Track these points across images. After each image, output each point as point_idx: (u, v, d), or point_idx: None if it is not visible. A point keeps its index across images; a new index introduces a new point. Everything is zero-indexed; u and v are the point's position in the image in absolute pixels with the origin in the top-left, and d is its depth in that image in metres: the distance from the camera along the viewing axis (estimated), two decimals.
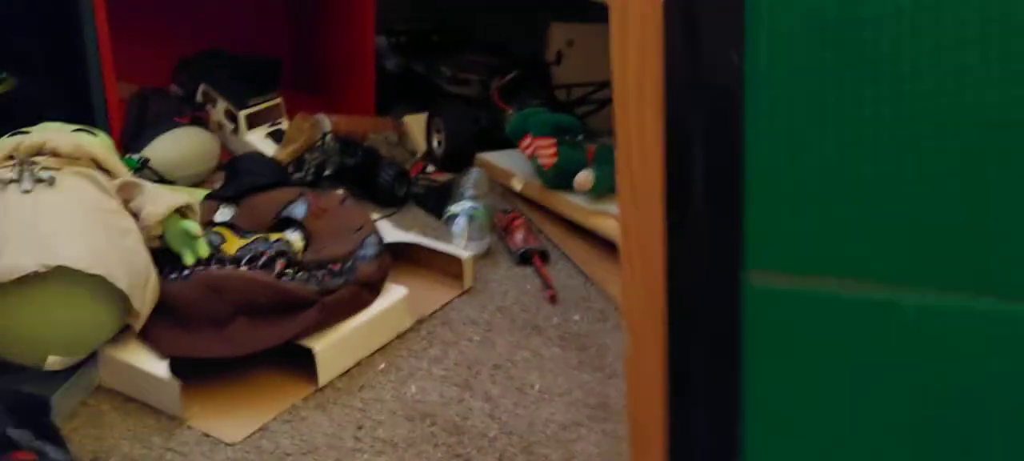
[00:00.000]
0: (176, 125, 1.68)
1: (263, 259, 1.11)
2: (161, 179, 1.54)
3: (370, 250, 1.18)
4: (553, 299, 1.34)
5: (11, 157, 1.08)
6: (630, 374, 0.56)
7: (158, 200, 1.10)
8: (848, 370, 0.44)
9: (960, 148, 0.40)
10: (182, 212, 1.12)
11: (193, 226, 1.11)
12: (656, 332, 0.52)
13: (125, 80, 1.72)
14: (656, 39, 0.46)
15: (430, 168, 1.82)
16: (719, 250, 0.46)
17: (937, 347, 0.42)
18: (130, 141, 1.63)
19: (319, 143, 1.60)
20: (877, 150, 0.41)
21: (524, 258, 1.45)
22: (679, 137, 0.47)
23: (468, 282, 1.34)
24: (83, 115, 1.42)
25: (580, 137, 1.57)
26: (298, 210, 1.27)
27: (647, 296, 0.52)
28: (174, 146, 1.63)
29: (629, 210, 0.53)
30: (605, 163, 1.50)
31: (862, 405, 0.44)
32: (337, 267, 1.14)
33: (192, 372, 1.02)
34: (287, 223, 1.27)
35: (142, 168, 1.54)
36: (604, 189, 1.49)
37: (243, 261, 1.10)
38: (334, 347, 1.08)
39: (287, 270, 1.12)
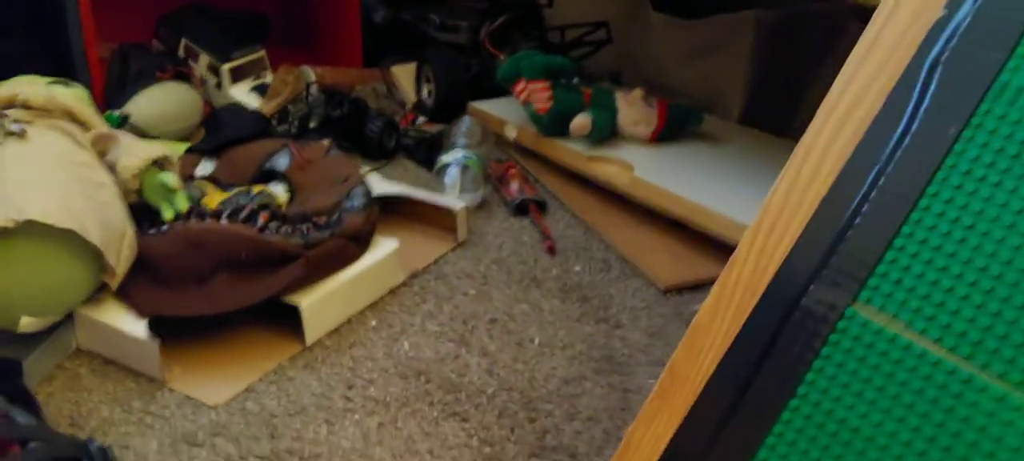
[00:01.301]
0: (157, 81, 1.63)
1: (244, 212, 1.06)
2: (143, 135, 1.48)
3: (357, 201, 1.12)
4: (551, 250, 1.29)
5: None
6: (696, 326, 0.62)
7: (134, 152, 1.05)
8: (901, 407, 0.52)
9: None
10: (160, 164, 1.07)
11: (171, 179, 1.06)
12: (742, 305, 0.60)
13: (107, 40, 1.68)
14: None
15: (421, 119, 1.77)
16: (841, 274, 0.56)
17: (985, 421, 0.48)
18: (112, 98, 1.58)
19: (304, 95, 1.54)
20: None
21: (520, 208, 1.40)
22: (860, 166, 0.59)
23: (462, 234, 1.29)
24: (63, 74, 1.37)
25: (576, 80, 1.51)
26: (281, 162, 1.21)
27: (754, 270, 0.60)
28: (155, 102, 1.57)
29: (783, 196, 0.61)
30: (602, 107, 1.45)
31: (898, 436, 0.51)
32: (322, 220, 1.09)
33: (173, 332, 0.98)
34: (270, 176, 1.21)
35: (123, 124, 1.48)
36: (602, 134, 1.44)
37: (224, 215, 1.05)
38: (321, 304, 1.03)
39: (270, 223, 1.07)
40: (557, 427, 0.92)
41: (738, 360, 0.59)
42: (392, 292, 1.16)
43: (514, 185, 1.43)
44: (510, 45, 1.71)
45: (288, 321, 1.02)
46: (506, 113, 1.62)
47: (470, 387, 0.98)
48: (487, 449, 0.88)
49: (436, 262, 1.25)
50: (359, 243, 1.10)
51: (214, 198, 1.12)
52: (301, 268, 1.01)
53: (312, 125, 1.53)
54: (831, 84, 0.62)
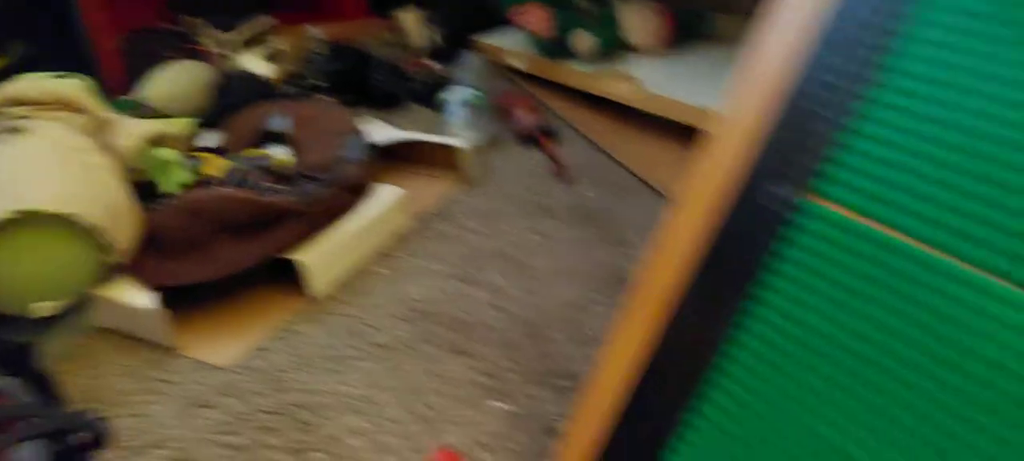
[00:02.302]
0: (168, 61, 1.65)
1: (241, 176, 1.06)
2: (160, 116, 1.51)
3: (354, 152, 1.12)
4: (562, 176, 1.27)
5: None
6: (660, 242, 0.60)
7: (130, 132, 1.07)
8: (864, 299, 0.49)
9: None
10: (158, 141, 1.09)
11: (168, 153, 1.07)
12: (704, 210, 0.58)
13: (122, 30, 1.71)
14: None
15: (430, 62, 1.75)
16: (796, 168, 0.53)
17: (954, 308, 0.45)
18: (127, 84, 1.61)
19: (308, 54, 1.54)
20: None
21: (530, 138, 1.38)
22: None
23: (471, 172, 1.28)
24: (82, 69, 1.41)
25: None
26: (277, 123, 1.22)
27: (710, 180, 0.58)
28: (168, 82, 1.59)
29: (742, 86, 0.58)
30: (605, 22, 1.41)
31: (864, 330, 0.49)
32: (321, 174, 1.09)
33: (185, 301, 1.00)
34: (270, 137, 1.22)
35: (137, 108, 1.51)
36: (607, 49, 1.40)
37: (230, 183, 1.06)
38: (324, 256, 1.04)
39: (271, 184, 1.08)
40: (560, 352, 0.91)
41: (700, 266, 0.57)
42: (400, 238, 1.16)
43: (522, 114, 1.41)
44: None
45: (297, 277, 1.04)
46: (512, 44, 1.59)
47: (476, 323, 0.98)
48: (490, 382, 0.88)
49: (446, 203, 1.24)
50: (355, 192, 1.10)
51: (215, 166, 1.13)
52: (299, 223, 1.02)
53: (316, 82, 1.53)
54: None
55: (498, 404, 0.86)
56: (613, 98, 1.36)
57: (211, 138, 1.30)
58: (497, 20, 1.63)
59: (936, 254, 0.46)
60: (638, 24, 1.43)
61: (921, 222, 0.47)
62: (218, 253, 1.00)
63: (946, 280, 0.45)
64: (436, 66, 1.71)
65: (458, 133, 1.36)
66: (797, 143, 0.53)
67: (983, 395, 0.43)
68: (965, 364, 0.44)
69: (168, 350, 0.99)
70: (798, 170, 0.52)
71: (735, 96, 0.58)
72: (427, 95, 1.57)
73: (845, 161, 0.51)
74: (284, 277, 1.05)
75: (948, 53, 0.47)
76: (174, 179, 1.08)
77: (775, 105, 0.55)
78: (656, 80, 1.34)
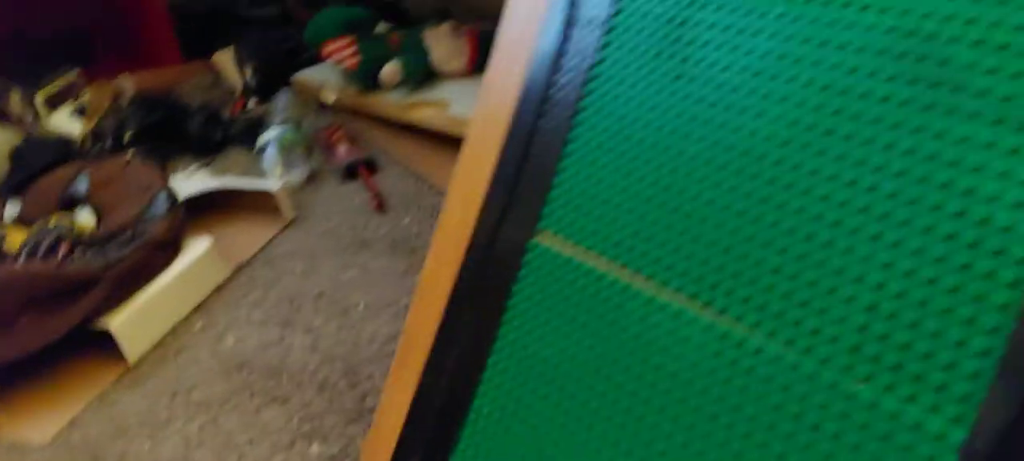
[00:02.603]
0: None
1: (43, 247, 1.04)
2: None
3: (160, 209, 1.12)
4: (380, 207, 1.30)
5: None
6: (421, 287, 0.64)
7: None
8: (581, 330, 0.53)
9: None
10: None
11: None
12: (455, 257, 0.61)
13: None
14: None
15: (251, 103, 1.75)
16: (525, 208, 0.57)
17: (652, 334, 0.49)
18: None
19: (112, 108, 1.51)
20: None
21: (350, 172, 1.40)
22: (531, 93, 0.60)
23: (288, 213, 1.30)
24: None
25: (381, 28, 1.50)
26: (80, 186, 1.20)
27: (461, 219, 0.61)
28: None
29: (477, 138, 0.62)
30: (412, 49, 1.45)
31: (583, 360, 0.53)
32: (126, 235, 1.08)
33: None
34: (73, 201, 1.19)
35: None
36: (416, 77, 1.44)
37: (23, 255, 1.04)
38: (137, 319, 1.04)
39: (74, 252, 1.06)
40: (377, 389, 0.94)
41: (454, 311, 0.61)
42: (218, 289, 1.16)
43: (341, 149, 1.43)
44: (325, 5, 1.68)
45: (114, 344, 1.02)
46: (327, 77, 1.61)
47: (292, 368, 0.99)
48: (306, 426, 0.90)
49: (263, 248, 1.25)
50: (166, 250, 1.09)
51: (16, 238, 1.10)
52: (104, 290, 1.01)
53: (128, 136, 1.49)
54: None
55: (315, 448, 0.88)
56: (424, 126, 1.40)
57: (11, 208, 1.26)
58: (314, 57, 1.64)
59: (629, 278, 0.51)
60: (444, 50, 1.47)
61: (615, 248, 0.52)
62: (21, 332, 0.98)
63: (640, 304, 0.50)
64: (255, 107, 1.70)
65: (274, 174, 1.36)
66: (525, 185, 0.57)
67: (682, 414, 0.47)
68: (661, 383, 0.48)
69: None
70: (527, 211, 0.57)
71: (471, 144, 0.62)
72: (247, 138, 1.56)
73: (557, 197, 0.56)
74: (101, 345, 1.04)
75: (630, 91, 0.53)
76: None
77: (505, 150, 0.60)
78: (462, 103, 1.39)
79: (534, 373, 0.54)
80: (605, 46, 0.55)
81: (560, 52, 0.58)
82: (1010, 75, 0.38)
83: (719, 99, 0.48)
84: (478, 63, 1.49)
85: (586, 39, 0.56)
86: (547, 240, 0.56)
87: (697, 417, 0.46)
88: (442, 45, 1.47)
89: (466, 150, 0.63)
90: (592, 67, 0.56)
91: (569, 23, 0.58)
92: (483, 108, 0.63)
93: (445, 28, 1.49)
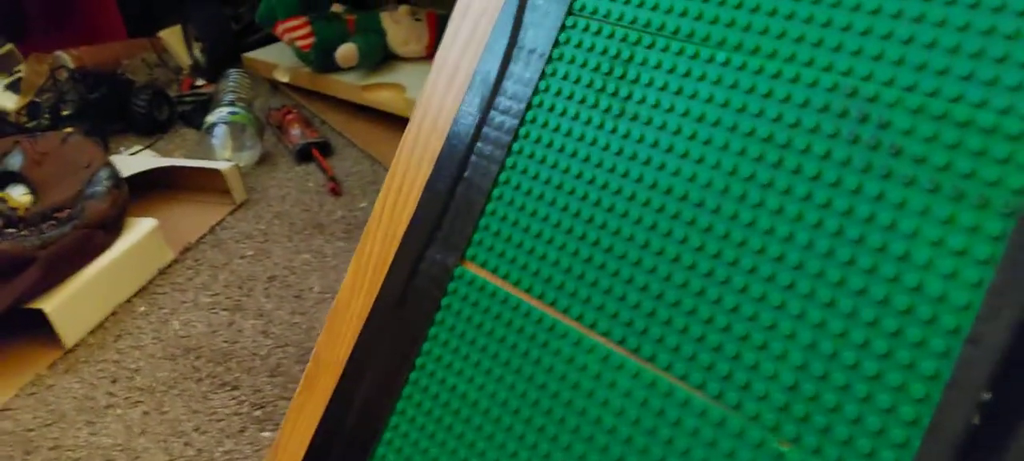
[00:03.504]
0: None
1: None
2: None
3: (100, 186, 1.06)
4: (335, 191, 1.26)
5: None
6: (335, 309, 0.61)
7: None
8: (503, 367, 0.51)
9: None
10: None
11: None
12: (375, 278, 0.58)
13: None
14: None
15: (200, 82, 1.69)
16: (453, 234, 0.55)
17: (578, 376, 0.47)
18: None
19: (49, 82, 1.44)
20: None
21: (303, 154, 1.36)
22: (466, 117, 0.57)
23: (239, 195, 1.25)
24: None
25: (335, 7, 1.46)
26: (14, 161, 1.13)
27: (384, 238, 0.59)
28: None
29: (408, 156, 0.60)
30: (368, 30, 1.41)
31: (503, 397, 0.50)
32: (64, 214, 1.03)
33: None
34: (8, 179, 1.13)
35: None
36: (372, 59, 1.40)
37: None
38: (74, 302, 0.98)
39: (7, 230, 1.00)
40: None
41: (369, 336, 0.57)
42: (163, 272, 1.11)
43: (295, 131, 1.39)
44: None
45: (49, 327, 0.96)
46: (279, 57, 1.56)
47: (242, 353, 0.95)
48: (258, 412, 0.86)
49: (212, 230, 1.20)
50: (107, 230, 1.04)
51: None
52: (38, 271, 0.95)
53: (66, 113, 1.43)
54: None
55: (267, 434, 0.84)
56: (380, 107, 1.36)
57: None
58: (265, 35, 1.59)
59: (557, 316, 0.48)
60: (401, 32, 1.44)
61: (545, 285, 0.49)
62: None
63: (564, 342, 0.47)
64: (203, 86, 1.65)
65: (223, 155, 1.31)
66: (455, 210, 0.55)
67: (590, 454, 0.45)
68: (584, 428, 0.46)
69: None
70: (456, 237, 0.54)
71: (401, 163, 0.59)
72: (195, 117, 1.51)
73: (487, 226, 0.53)
74: (35, 328, 0.98)
75: (569, 123, 0.51)
76: None
77: (436, 173, 0.57)
78: (419, 86, 1.34)
79: (450, 408, 0.52)
80: (547, 76, 0.52)
81: (500, 79, 0.55)
82: (946, 145, 0.38)
83: (659, 140, 0.46)
84: (437, 46, 1.46)
85: (527, 69, 0.54)
86: (474, 269, 0.53)
87: None
88: (400, 28, 1.44)
89: (396, 165, 0.60)
90: (532, 97, 0.53)
91: (511, 52, 0.55)
92: (415, 127, 0.60)
93: (403, 10, 1.46)
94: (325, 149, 1.36)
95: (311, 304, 1.02)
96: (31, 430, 0.87)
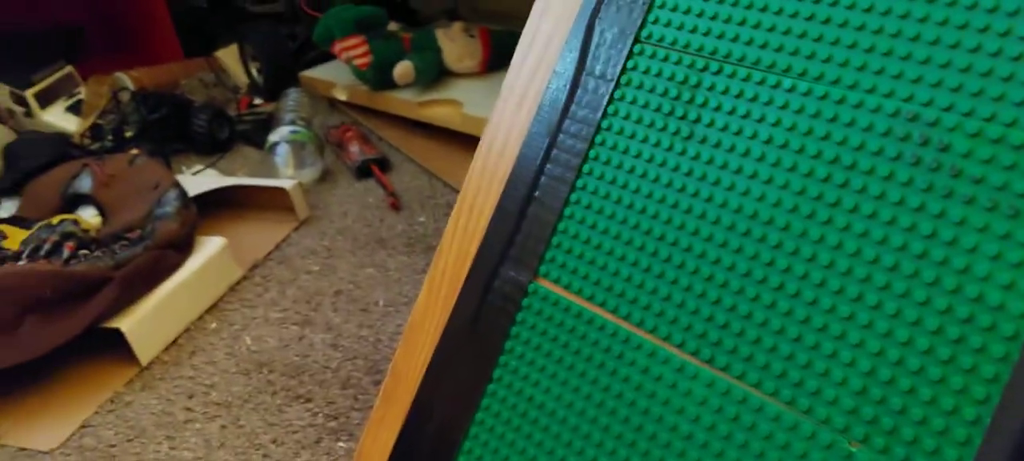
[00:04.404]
0: None
1: (46, 247, 1.05)
2: None
3: (170, 207, 1.13)
4: (395, 206, 1.32)
5: None
6: (411, 324, 0.65)
7: None
8: (579, 378, 0.55)
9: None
10: None
11: None
12: (449, 294, 0.63)
13: None
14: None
15: (258, 101, 1.76)
16: (525, 250, 0.60)
17: (654, 386, 0.52)
18: None
19: (112, 104, 1.52)
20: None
21: (363, 170, 1.42)
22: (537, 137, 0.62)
23: (302, 212, 1.31)
24: None
25: (391, 26, 1.53)
26: (84, 183, 1.21)
27: (458, 256, 0.63)
28: None
29: (479, 174, 0.65)
30: (424, 48, 1.47)
31: (581, 408, 0.55)
32: (135, 235, 1.10)
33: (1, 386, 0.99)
34: (76, 201, 1.21)
35: None
36: (428, 76, 1.46)
37: (24, 254, 1.05)
38: (149, 320, 1.05)
39: (80, 252, 1.07)
40: None
41: (446, 351, 0.62)
42: (232, 289, 1.18)
43: (354, 147, 1.45)
44: (329, 2, 1.70)
45: (125, 346, 1.03)
46: (337, 75, 1.63)
47: (313, 366, 1.01)
48: (332, 423, 0.92)
49: (278, 247, 1.26)
50: (178, 249, 1.11)
51: (16, 238, 1.11)
52: (113, 291, 1.01)
53: (129, 134, 1.51)
54: None
55: (341, 444, 0.89)
56: (438, 123, 1.42)
57: (6, 207, 1.27)
58: (321, 54, 1.66)
59: (631, 329, 0.53)
60: (456, 49, 1.49)
61: (618, 299, 0.54)
62: (25, 335, 0.98)
63: (639, 354, 0.52)
64: (260, 105, 1.72)
65: (286, 173, 1.38)
66: (527, 229, 0.59)
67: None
68: (661, 435, 0.50)
69: None
70: (528, 254, 0.59)
71: (473, 182, 0.64)
72: (254, 135, 1.58)
73: (560, 243, 0.58)
74: (111, 346, 1.05)
75: (638, 146, 0.55)
76: None
77: (508, 192, 0.61)
78: (476, 102, 1.41)
79: (528, 418, 0.56)
80: (615, 100, 0.57)
81: (569, 103, 0.60)
82: (1003, 166, 0.42)
83: (728, 162, 0.51)
84: (491, 63, 1.51)
85: (596, 93, 0.58)
86: (548, 285, 0.58)
87: None
88: (455, 45, 1.50)
89: (467, 184, 0.65)
90: (600, 120, 0.58)
91: (579, 77, 0.60)
92: (484, 150, 0.64)
93: (457, 27, 1.52)
94: (384, 165, 1.43)
95: (377, 317, 1.08)
96: (113, 446, 0.94)
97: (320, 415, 0.93)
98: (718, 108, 0.52)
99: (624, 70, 0.57)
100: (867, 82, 0.46)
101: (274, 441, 0.90)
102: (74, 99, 1.69)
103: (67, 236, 1.08)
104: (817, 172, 0.47)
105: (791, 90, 0.49)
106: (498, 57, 1.52)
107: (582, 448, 0.53)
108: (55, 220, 1.11)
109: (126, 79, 1.68)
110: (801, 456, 0.45)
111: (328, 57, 1.71)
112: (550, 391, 0.55)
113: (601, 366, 0.53)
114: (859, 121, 0.46)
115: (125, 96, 1.56)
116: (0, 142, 1.55)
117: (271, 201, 1.32)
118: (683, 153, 0.53)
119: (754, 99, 0.50)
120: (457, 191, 1.33)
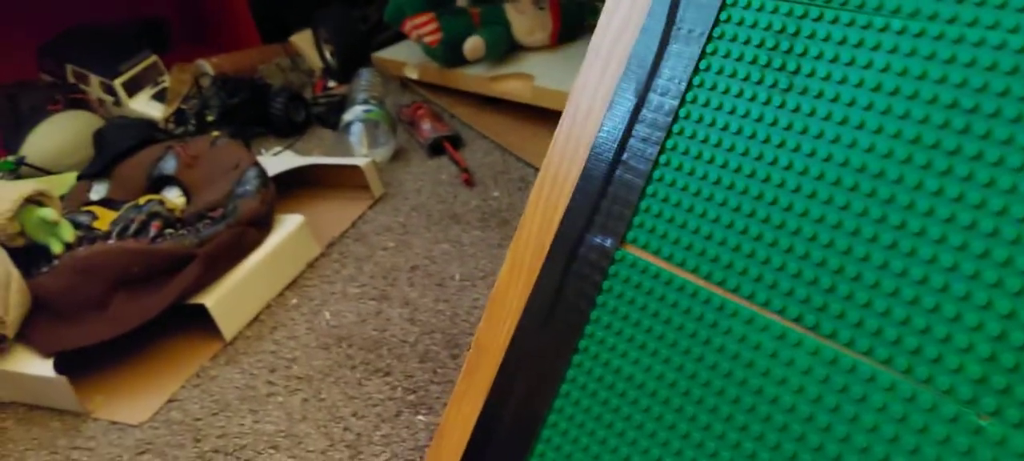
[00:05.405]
0: (50, 114, 1.62)
1: (134, 226, 1.06)
2: (44, 173, 1.49)
3: (250, 186, 1.12)
4: (469, 182, 1.29)
5: None
6: (494, 296, 0.62)
7: (3, 197, 1.05)
8: (670, 348, 0.51)
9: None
10: (37, 201, 1.07)
11: (49, 213, 1.05)
12: (533, 264, 0.60)
13: None
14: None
15: (332, 83, 1.76)
16: (611, 217, 0.56)
17: (752, 354, 0.47)
18: (10, 143, 1.57)
19: (194, 90, 1.53)
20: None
21: (435, 147, 1.40)
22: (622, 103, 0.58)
23: (376, 190, 1.29)
24: None
25: (461, 2, 1.50)
26: (168, 165, 1.21)
27: (541, 225, 0.60)
28: (50, 136, 1.56)
29: (563, 142, 0.61)
30: (493, 23, 1.44)
31: (672, 379, 0.51)
32: (217, 213, 1.09)
33: (92, 362, 0.99)
34: (161, 182, 1.21)
35: (19, 167, 1.48)
36: (499, 50, 1.42)
37: (114, 234, 1.05)
38: (232, 296, 1.04)
39: (165, 231, 1.07)
40: None
41: (530, 322, 0.58)
42: (311, 265, 1.17)
43: (426, 125, 1.43)
44: None
45: (209, 321, 1.03)
46: (408, 55, 1.61)
47: (392, 340, 0.99)
48: (411, 397, 0.90)
49: (354, 224, 1.25)
50: (259, 227, 1.10)
51: (106, 219, 1.12)
52: (198, 268, 1.01)
53: (210, 118, 1.52)
54: None
55: (421, 418, 0.87)
56: (509, 98, 1.39)
57: (98, 190, 1.29)
58: (392, 34, 1.64)
59: (727, 296, 0.48)
60: (525, 22, 1.45)
61: (712, 265, 0.49)
62: (116, 310, 0.99)
63: (735, 322, 0.47)
64: (334, 87, 1.72)
65: (360, 151, 1.36)
66: (613, 194, 0.55)
67: (783, 442, 0.45)
68: (760, 407, 0.46)
69: (78, 416, 0.97)
70: (615, 220, 0.55)
71: (557, 150, 0.60)
72: (329, 117, 1.57)
73: (648, 208, 0.53)
74: (196, 323, 1.05)
75: (732, 101, 0.50)
76: (62, 238, 1.06)
77: (594, 157, 0.57)
78: (547, 75, 1.36)
79: (615, 390, 0.52)
80: (708, 55, 0.52)
81: (657, 61, 0.55)
82: None
83: (832, 113, 0.45)
84: (561, 35, 1.47)
85: (686, 49, 0.54)
86: (635, 252, 0.54)
87: (800, 447, 0.43)
88: (524, 18, 1.46)
89: (551, 153, 0.61)
90: (692, 77, 0.53)
91: (668, 33, 0.55)
92: (570, 116, 0.60)
93: (526, 0, 1.48)
94: (456, 142, 1.40)
95: (453, 291, 1.05)
96: (199, 419, 0.93)
97: (399, 389, 0.91)
98: (820, 56, 0.47)
99: (717, 22, 0.53)
100: (988, 17, 0.41)
101: (354, 414, 0.89)
102: (159, 87, 1.71)
103: (153, 216, 1.08)
104: (933, 118, 0.42)
105: (901, 32, 0.44)
106: (569, 29, 1.47)
107: (674, 422, 0.49)
108: (142, 200, 1.11)
109: (207, 66, 1.69)
110: (920, 430, 0.40)
111: (399, 38, 1.69)
112: (639, 362, 0.51)
113: (693, 335, 0.49)
114: (980, 60, 0.41)
115: (206, 82, 1.57)
116: (89, 128, 1.57)
117: (347, 180, 1.31)
118: (782, 106, 0.48)
119: (859, 44, 0.45)
120: (530, 165, 1.29)
